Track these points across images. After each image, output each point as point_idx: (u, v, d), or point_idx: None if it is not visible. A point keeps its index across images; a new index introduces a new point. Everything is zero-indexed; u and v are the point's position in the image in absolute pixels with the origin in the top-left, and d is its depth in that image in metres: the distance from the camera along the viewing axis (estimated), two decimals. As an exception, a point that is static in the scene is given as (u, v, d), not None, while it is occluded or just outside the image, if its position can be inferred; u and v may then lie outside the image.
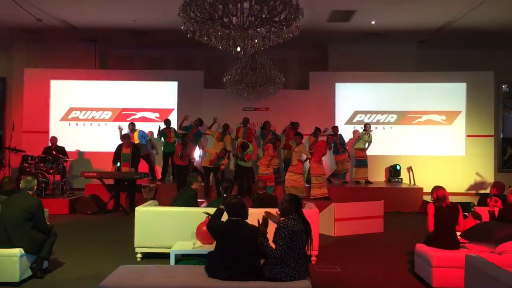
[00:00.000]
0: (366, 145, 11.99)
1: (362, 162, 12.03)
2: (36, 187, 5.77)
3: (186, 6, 6.04)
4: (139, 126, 12.25)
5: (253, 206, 6.42)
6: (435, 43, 13.20)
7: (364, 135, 11.98)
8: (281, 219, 4.27)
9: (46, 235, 5.57)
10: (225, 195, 6.51)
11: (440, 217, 5.45)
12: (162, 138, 11.95)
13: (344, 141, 12.19)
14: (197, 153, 11.94)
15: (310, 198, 10.13)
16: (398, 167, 12.48)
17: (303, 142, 10.68)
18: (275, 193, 9.67)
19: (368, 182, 12.00)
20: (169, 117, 12.65)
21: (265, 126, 11.91)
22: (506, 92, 13.98)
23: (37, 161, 10.50)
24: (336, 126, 12.26)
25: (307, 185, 10.70)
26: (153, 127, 12.83)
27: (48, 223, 5.81)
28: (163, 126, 12.06)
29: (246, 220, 4.33)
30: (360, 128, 12.56)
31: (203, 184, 6.98)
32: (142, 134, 12.07)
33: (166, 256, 5.69)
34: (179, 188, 10.57)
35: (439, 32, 12.18)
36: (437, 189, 5.59)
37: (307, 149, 10.60)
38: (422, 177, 12.11)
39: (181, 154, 10.60)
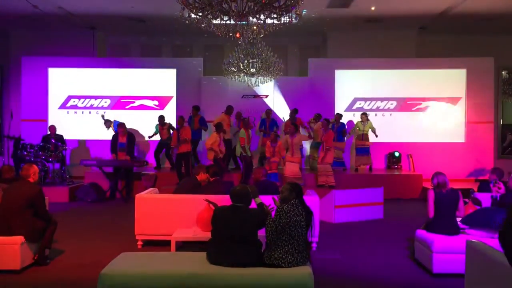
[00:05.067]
0: (361, 133, 11.93)
1: (359, 150, 12.02)
2: (36, 174, 5.73)
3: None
4: (138, 114, 12.21)
5: None
6: (435, 29, 13.12)
7: (359, 124, 12.01)
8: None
9: (47, 223, 5.57)
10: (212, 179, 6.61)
11: (440, 203, 5.45)
12: (158, 135, 11.85)
13: (343, 129, 12.13)
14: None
15: (318, 185, 10.23)
16: (396, 154, 12.47)
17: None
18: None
19: (370, 169, 11.99)
20: (168, 105, 12.60)
21: (267, 115, 11.87)
22: (506, 78, 13.93)
23: (36, 149, 10.48)
24: (338, 114, 12.18)
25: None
26: (152, 115, 12.77)
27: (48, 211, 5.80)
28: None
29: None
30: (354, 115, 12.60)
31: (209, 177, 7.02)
32: (117, 124, 12.05)
33: (166, 243, 5.71)
34: (179, 176, 10.61)
35: (440, 17, 12.09)
36: (438, 175, 5.58)
37: (306, 136, 10.59)
38: (422, 163, 12.13)
39: (181, 141, 10.58)
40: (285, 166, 10.17)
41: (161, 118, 11.82)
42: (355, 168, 12.04)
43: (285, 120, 12.04)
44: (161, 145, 11.81)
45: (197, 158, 11.76)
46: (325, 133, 10.58)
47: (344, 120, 12.25)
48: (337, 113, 12.20)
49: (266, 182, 6.99)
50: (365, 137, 11.96)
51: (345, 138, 12.01)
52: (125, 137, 10.50)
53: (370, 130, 11.93)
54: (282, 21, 6.32)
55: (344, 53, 13.28)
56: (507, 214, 2.61)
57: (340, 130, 11.89)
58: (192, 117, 11.66)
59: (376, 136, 11.92)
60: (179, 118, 11.15)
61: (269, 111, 11.89)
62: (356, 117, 12.61)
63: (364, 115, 12.05)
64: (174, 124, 11.97)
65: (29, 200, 5.35)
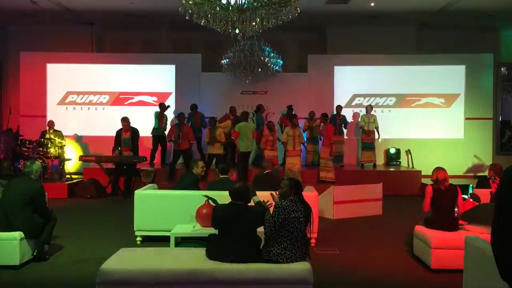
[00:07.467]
0: (367, 127, 11.85)
1: (365, 145, 11.92)
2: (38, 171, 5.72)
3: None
4: (137, 110, 12.18)
5: (254, 185, 6.47)
6: (434, 25, 13.09)
7: (364, 117, 11.94)
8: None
9: (47, 219, 5.56)
10: (221, 176, 6.57)
11: (439, 199, 5.45)
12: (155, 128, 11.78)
13: (345, 122, 12.12)
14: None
15: (319, 180, 10.25)
16: (392, 150, 12.44)
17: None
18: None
19: (373, 165, 11.90)
20: (167, 101, 12.58)
21: (259, 110, 11.84)
22: (505, 74, 13.91)
23: (35, 145, 10.46)
24: (339, 106, 12.16)
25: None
26: (151, 111, 12.70)
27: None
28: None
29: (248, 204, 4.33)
30: (360, 111, 12.54)
31: (205, 169, 7.03)
32: None
33: (165, 239, 5.71)
34: (171, 172, 10.64)
35: (439, 14, 12.07)
36: (438, 170, 5.57)
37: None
38: (421, 160, 12.13)
39: (174, 140, 10.56)
40: (286, 160, 10.20)
41: (162, 105, 11.77)
42: (361, 164, 11.99)
43: (281, 115, 12.07)
44: (156, 139, 11.61)
45: (203, 155, 11.74)
46: (324, 128, 10.59)
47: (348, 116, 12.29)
48: (338, 105, 12.16)
49: (268, 175, 7.02)
50: (370, 132, 11.84)
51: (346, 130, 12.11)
52: (128, 132, 10.43)
53: (374, 126, 11.83)
54: (281, 17, 6.31)
55: (343, 49, 13.25)
56: (493, 224, 2.07)
57: (341, 122, 11.89)
58: (192, 116, 11.59)
59: (378, 136, 11.85)
60: (180, 115, 11.10)
61: (259, 106, 11.89)
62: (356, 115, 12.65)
63: (370, 107, 11.99)
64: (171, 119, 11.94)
65: (29, 196, 5.33)
